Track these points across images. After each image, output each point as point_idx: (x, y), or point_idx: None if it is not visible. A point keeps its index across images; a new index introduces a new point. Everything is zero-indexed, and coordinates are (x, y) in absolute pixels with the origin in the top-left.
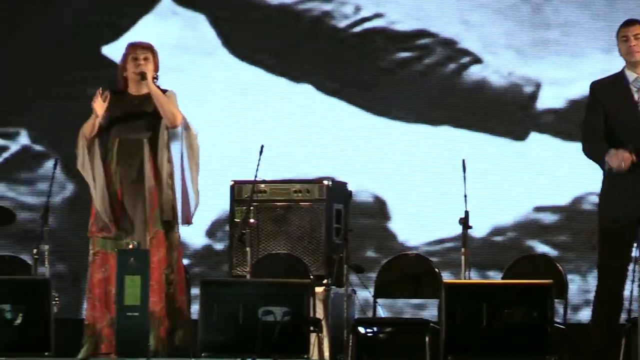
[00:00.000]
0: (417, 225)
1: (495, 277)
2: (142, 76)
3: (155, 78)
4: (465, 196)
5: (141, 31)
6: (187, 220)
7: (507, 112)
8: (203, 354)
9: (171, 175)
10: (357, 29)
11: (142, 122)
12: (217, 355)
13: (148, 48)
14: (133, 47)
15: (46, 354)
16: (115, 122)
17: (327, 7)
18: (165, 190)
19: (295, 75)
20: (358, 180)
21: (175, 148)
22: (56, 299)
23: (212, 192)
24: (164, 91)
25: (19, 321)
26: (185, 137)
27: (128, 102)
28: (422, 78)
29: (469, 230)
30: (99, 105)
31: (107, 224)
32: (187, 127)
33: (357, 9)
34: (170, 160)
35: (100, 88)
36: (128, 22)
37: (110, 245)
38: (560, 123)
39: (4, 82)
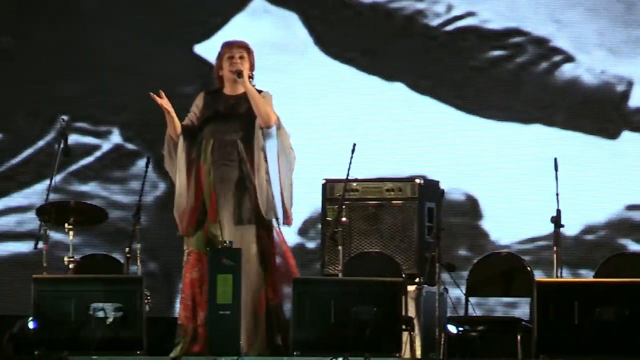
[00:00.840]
0: (508, 223)
1: (587, 275)
2: (239, 74)
3: (250, 77)
4: (557, 194)
5: (233, 30)
6: (287, 221)
7: (599, 111)
8: (295, 352)
9: (268, 174)
10: (449, 27)
11: (237, 122)
12: (309, 354)
13: (244, 47)
14: (229, 46)
15: (138, 352)
16: (209, 122)
17: (419, 5)
18: (264, 189)
19: (387, 73)
20: (450, 179)
21: (271, 147)
22: (148, 297)
23: (304, 190)
24: (260, 91)
25: (111, 320)
26: (279, 136)
27: (223, 102)
28: (514, 77)
29: (561, 229)
30: (164, 102)
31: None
32: (280, 127)
33: (449, 8)
34: (266, 160)
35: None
36: (220, 20)
37: (204, 244)
38: None
39: (96, 82)
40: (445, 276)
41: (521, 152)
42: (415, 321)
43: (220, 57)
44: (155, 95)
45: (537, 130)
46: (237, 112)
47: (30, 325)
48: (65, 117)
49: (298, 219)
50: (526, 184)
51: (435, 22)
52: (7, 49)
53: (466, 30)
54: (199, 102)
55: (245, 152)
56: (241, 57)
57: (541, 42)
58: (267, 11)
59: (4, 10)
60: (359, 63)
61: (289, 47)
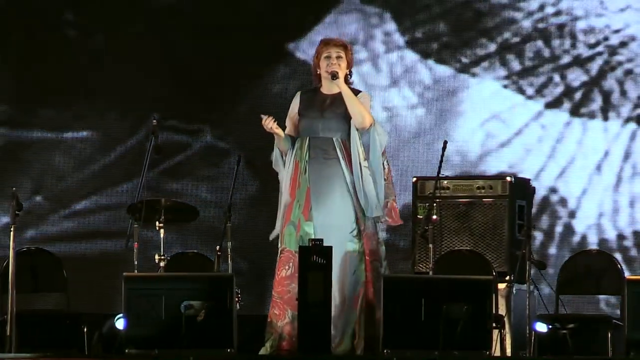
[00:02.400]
0: (598, 221)
1: None
2: (334, 75)
3: (349, 75)
4: None
5: (326, 28)
6: (393, 220)
7: None
8: (385, 350)
9: (371, 173)
10: (542, 25)
11: (333, 121)
12: (399, 351)
13: (341, 45)
14: (326, 44)
15: (228, 350)
16: (305, 121)
17: (510, 2)
18: (367, 187)
19: (479, 71)
20: (541, 177)
21: (369, 147)
22: (239, 295)
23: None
24: (357, 92)
25: (201, 317)
26: (374, 136)
27: (319, 101)
28: (605, 74)
29: None
30: (274, 126)
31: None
32: (377, 128)
33: (542, 6)
34: (367, 159)
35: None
36: (312, 18)
37: (296, 242)
38: None
39: (187, 81)
40: (536, 274)
41: (612, 150)
42: (506, 319)
43: (317, 54)
44: (265, 119)
45: (631, 129)
46: (334, 111)
47: (117, 324)
48: (156, 116)
49: None
50: (616, 182)
51: (527, 20)
52: (99, 48)
53: (561, 27)
54: (294, 104)
55: (343, 150)
56: (338, 57)
57: (632, 40)
58: (358, 9)
59: (96, 10)
60: (448, 61)
61: (378, 44)
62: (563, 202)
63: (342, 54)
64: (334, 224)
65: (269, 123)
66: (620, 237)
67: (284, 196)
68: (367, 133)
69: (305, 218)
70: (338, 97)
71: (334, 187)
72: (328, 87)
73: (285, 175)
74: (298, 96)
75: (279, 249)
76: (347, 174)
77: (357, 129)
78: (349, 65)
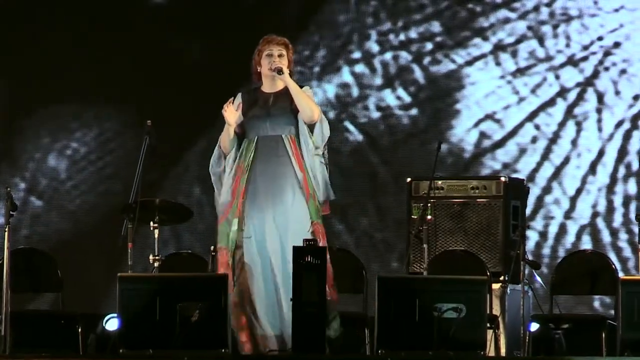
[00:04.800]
0: (592, 221)
1: None
2: (279, 71)
3: (291, 73)
4: None
5: (320, 28)
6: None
7: None
8: (380, 351)
9: (318, 160)
10: (536, 25)
11: (279, 119)
12: (393, 351)
13: (283, 44)
14: (268, 42)
15: (223, 350)
16: (250, 121)
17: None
18: (317, 172)
19: (473, 71)
20: (535, 177)
21: (317, 140)
22: None
23: (390, 187)
24: (301, 87)
25: (196, 318)
26: (321, 128)
27: (263, 101)
28: (605, 73)
29: None
30: (230, 114)
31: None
32: (323, 120)
33: (536, 7)
34: (320, 154)
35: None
36: (306, 18)
37: (232, 240)
38: None
39: (182, 81)
40: (530, 274)
41: (606, 150)
42: (500, 319)
43: (259, 52)
44: (230, 103)
45: (625, 129)
46: (280, 108)
47: (107, 325)
48: (149, 122)
49: None
50: (610, 183)
51: (521, 20)
52: (95, 48)
53: (553, 28)
54: (236, 105)
55: (292, 148)
56: (280, 55)
57: (626, 40)
58: (352, 9)
59: (92, 10)
60: (442, 61)
61: (372, 44)
62: (557, 202)
63: (284, 52)
64: (290, 223)
65: (228, 108)
66: (615, 237)
67: (224, 195)
68: (317, 127)
69: (239, 214)
70: (281, 94)
71: (286, 186)
72: (270, 85)
73: (226, 177)
74: (239, 97)
75: (213, 248)
76: (297, 172)
77: (306, 123)
78: (290, 64)
